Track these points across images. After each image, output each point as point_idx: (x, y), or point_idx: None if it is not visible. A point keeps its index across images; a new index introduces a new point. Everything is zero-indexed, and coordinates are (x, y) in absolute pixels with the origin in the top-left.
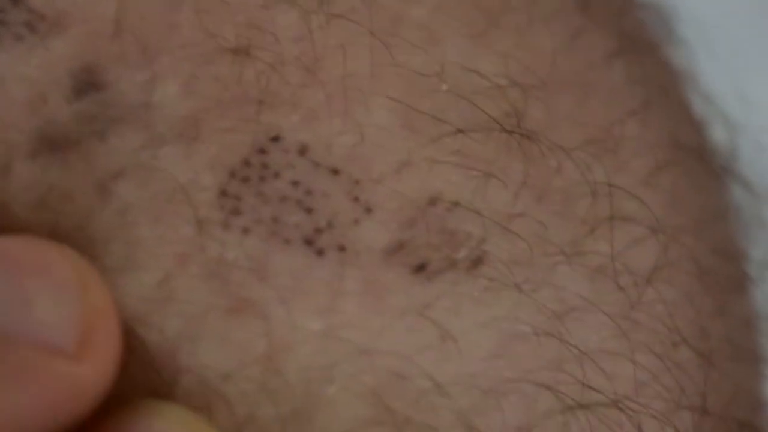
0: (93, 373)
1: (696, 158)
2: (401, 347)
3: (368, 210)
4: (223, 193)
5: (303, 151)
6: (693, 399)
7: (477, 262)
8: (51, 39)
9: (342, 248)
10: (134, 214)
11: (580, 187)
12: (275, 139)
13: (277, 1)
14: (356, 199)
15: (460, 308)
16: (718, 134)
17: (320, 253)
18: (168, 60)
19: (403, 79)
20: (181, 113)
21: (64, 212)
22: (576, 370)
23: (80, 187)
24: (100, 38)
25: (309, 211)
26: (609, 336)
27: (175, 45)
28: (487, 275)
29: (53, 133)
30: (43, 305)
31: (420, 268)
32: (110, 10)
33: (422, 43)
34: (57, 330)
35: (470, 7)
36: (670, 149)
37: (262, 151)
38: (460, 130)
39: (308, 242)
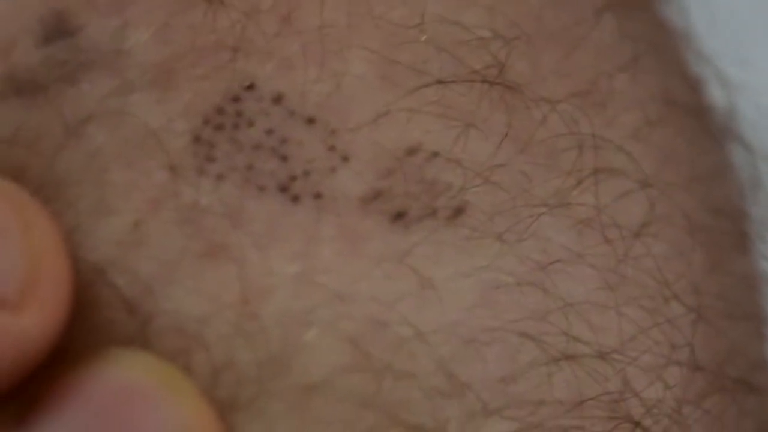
0: (38, 323)
1: (690, 116)
2: (380, 294)
3: (345, 159)
4: (197, 140)
5: (278, 99)
6: (684, 355)
7: (458, 211)
8: None
9: (318, 195)
10: (105, 159)
11: (566, 140)
12: (249, 87)
13: None
14: (332, 148)
15: (440, 257)
16: (715, 94)
17: (295, 199)
18: (140, 7)
19: (381, 31)
20: (153, 60)
21: (32, 153)
22: (561, 322)
23: (49, 129)
24: None
25: (284, 158)
26: (595, 288)
27: None
28: (468, 225)
29: (21, 77)
30: None
31: (398, 216)
32: None
33: None
34: None
35: None
36: (662, 106)
37: (236, 99)
38: (440, 81)
39: (283, 189)
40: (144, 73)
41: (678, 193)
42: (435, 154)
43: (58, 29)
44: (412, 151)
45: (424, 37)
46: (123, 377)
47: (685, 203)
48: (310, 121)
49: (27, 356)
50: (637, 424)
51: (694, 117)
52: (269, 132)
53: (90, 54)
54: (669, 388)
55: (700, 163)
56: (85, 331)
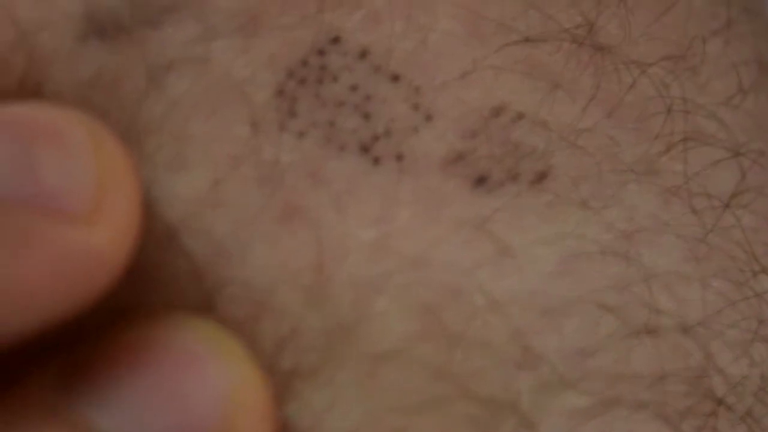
0: (107, 240)
1: None
2: (456, 260)
3: (428, 118)
4: (280, 93)
5: (363, 54)
6: None
7: (541, 176)
8: None
9: (399, 157)
10: (186, 109)
11: (656, 104)
12: (335, 40)
13: None
14: (416, 107)
15: (521, 223)
16: None
17: (377, 160)
18: None
19: None
20: (239, 6)
21: (113, 98)
22: (644, 293)
23: (131, 74)
24: None
25: (367, 116)
26: (681, 259)
27: None
28: (551, 190)
29: (104, 18)
30: (49, 168)
31: (480, 180)
32: None
33: None
34: (65, 193)
35: None
36: (756, 71)
37: (321, 52)
38: (528, 39)
39: (365, 149)
40: (229, 18)
41: None
42: (520, 116)
43: None
44: (497, 112)
45: None
46: (179, 344)
47: None
48: (395, 77)
49: (97, 276)
50: (719, 401)
51: None
52: (353, 88)
53: None
54: (755, 365)
55: None
56: (150, 292)
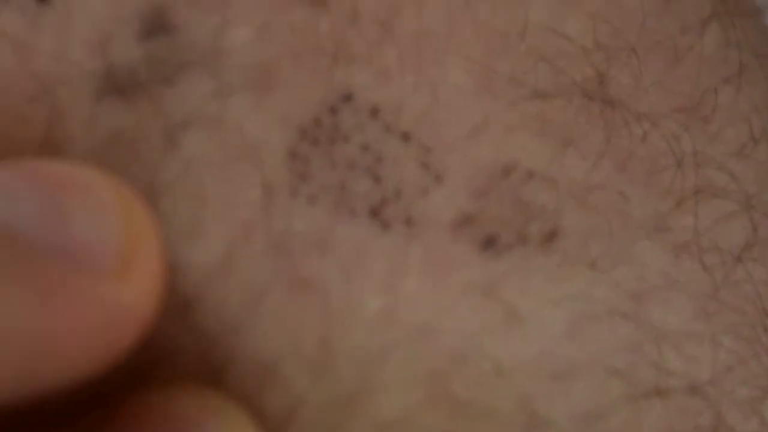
0: (136, 297)
1: None
2: (463, 327)
3: (438, 179)
4: (292, 155)
5: (374, 112)
6: None
7: (551, 236)
8: None
9: (408, 220)
10: (200, 170)
11: (667, 158)
12: (347, 98)
13: None
14: (426, 167)
15: (529, 286)
16: None
17: (386, 225)
18: (241, 5)
19: (482, 38)
20: (252, 62)
21: (130, 157)
22: (653, 353)
23: (147, 133)
24: None
25: (377, 179)
26: (691, 317)
27: None
28: (560, 251)
29: (120, 75)
30: (80, 221)
31: (489, 243)
32: None
33: (507, 1)
34: (96, 247)
35: None
36: (767, 118)
37: (334, 110)
38: (539, 95)
39: (374, 213)
40: (243, 75)
41: None
42: (531, 174)
43: (157, 25)
44: (507, 170)
45: (524, 47)
46: (186, 415)
47: None
48: (405, 136)
49: (124, 332)
50: None
51: None
52: (364, 148)
53: (189, 53)
54: (765, 424)
55: None
56: (159, 362)
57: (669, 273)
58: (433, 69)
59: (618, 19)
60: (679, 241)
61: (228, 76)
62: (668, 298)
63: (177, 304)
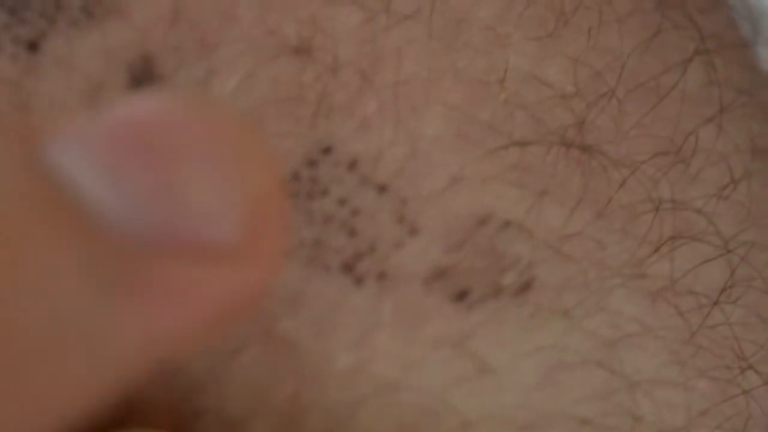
0: (258, 276)
1: None
2: (434, 381)
3: (413, 231)
4: None
5: (353, 164)
6: (762, 428)
7: (525, 287)
8: (107, 25)
9: (382, 275)
10: None
11: (645, 204)
12: (327, 150)
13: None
14: (402, 219)
15: (502, 337)
16: None
17: (359, 281)
18: (226, 54)
19: (461, 86)
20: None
21: None
22: (626, 401)
23: None
24: (158, 27)
25: (352, 233)
26: (665, 363)
27: (234, 38)
28: (534, 301)
29: None
30: (198, 196)
31: (462, 295)
32: None
33: (486, 46)
34: (217, 224)
35: (541, 6)
36: (749, 157)
37: (313, 163)
38: (517, 143)
39: (348, 268)
40: None
41: (760, 254)
42: (506, 224)
43: (145, 74)
44: (483, 221)
45: (504, 95)
46: None
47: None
48: (382, 189)
49: (244, 310)
50: None
51: None
52: (341, 202)
53: None
54: None
55: None
56: (126, 420)
57: (644, 320)
58: (412, 119)
59: (599, 61)
60: (655, 288)
61: None
62: (643, 345)
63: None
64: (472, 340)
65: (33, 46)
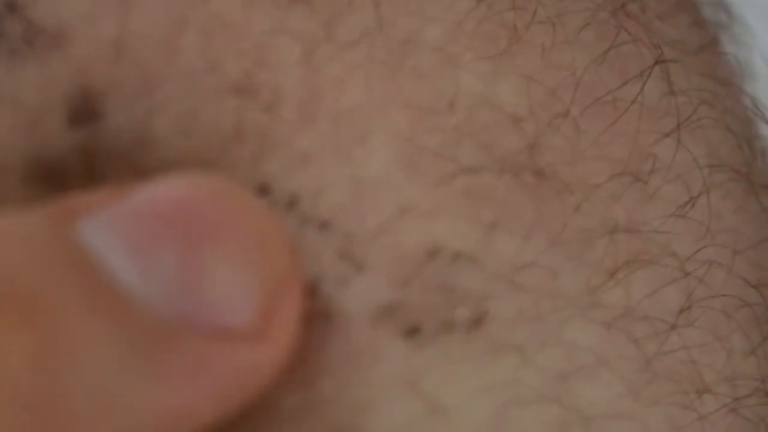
0: (272, 355)
1: (738, 179)
2: (384, 423)
3: (359, 268)
4: None
5: (292, 203)
6: None
7: (477, 321)
8: (48, 56)
9: (327, 315)
10: None
11: (600, 228)
12: (263, 190)
13: (284, 27)
14: (346, 256)
15: (453, 375)
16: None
17: (303, 322)
18: (167, 92)
19: (408, 113)
20: (175, 157)
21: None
22: None
23: None
24: (101, 60)
25: None
26: (621, 394)
27: (176, 74)
28: (486, 337)
29: (48, 160)
30: (220, 280)
31: (412, 332)
32: (113, 27)
33: (436, 69)
34: (234, 308)
35: (493, 23)
36: (707, 172)
37: None
38: (467, 170)
39: None
40: (165, 171)
41: (719, 273)
42: (457, 255)
43: (84, 112)
44: (432, 254)
45: (454, 120)
46: None
47: (726, 283)
48: (324, 226)
49: (258, 388)
50: None
51: (743, 178)
52: None
53: (114, 143)
54: None
55: (746, 231)
56: None
57: (598, 351)
58: (355, 150)
59: (553, 79)
60: (610, 317)
61: (150, 173)
62: (597, 376)
63: None
64: (424, 379)
65: None
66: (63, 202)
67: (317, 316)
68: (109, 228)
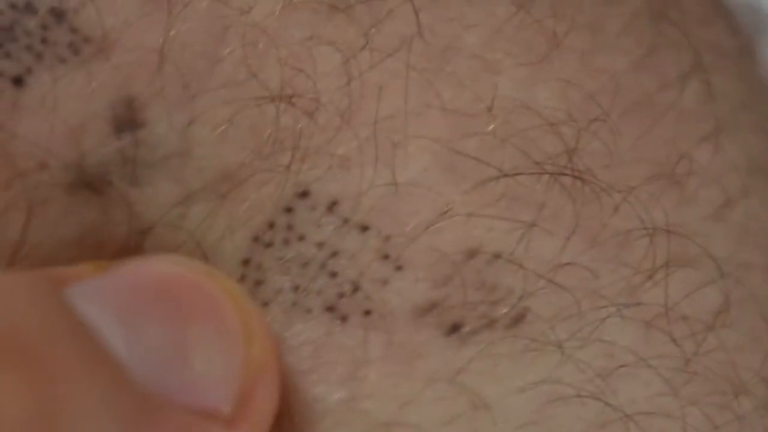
0: None
1: None
2: (428, 418)
3: (398, 268)
4: (245, 263)
5: (332, 206)
6: None
7: (517, 319)
8: (94, 65)
9: (367, 312)
10: None
11: (639, 230)
12: (303, 194)
13: (323, 35)
14: (386, 257)
15: (495, 372)
16: None
17: (344, 319)
18: (207, 101)
19: (447, 119)
20: (214, 165)
21: (97, 258)
22: None
23: (113, 236)
24: (144, 69)
25: (333, 275)
26: (660, 392)
27: (216, 84)
28: (527, 334)
29: (92, 169)
30: (202, 359)
31: (454, 329)
32: (156, 37)
33: (474, 75)
34: (215, 390)
35: (531, 30)
36: (745, 176)
37: (289, 209)
38: (505, 174)
39: (330, 309)
40: (205, 180)
41: (756, 275)
42: (496, 256)
43: (127, 120)
44: (471, 254)
45: (491, 126)
46: None
47: (764, 286)
48: (364, 228)
49: None
50: None
51: None
52: (320, 245)
53: (156, 152)
54: None
55: None
56: None
57: (638, 350)
58: (395, 154)
59: (592, 83)
60: (649, 316)
61: (190, 181)
62: (636, 375)
63: None
64: (466, 375)
65: (18, 81)
66: (51, 269)
67: (355, 315)
68: (98, 297)
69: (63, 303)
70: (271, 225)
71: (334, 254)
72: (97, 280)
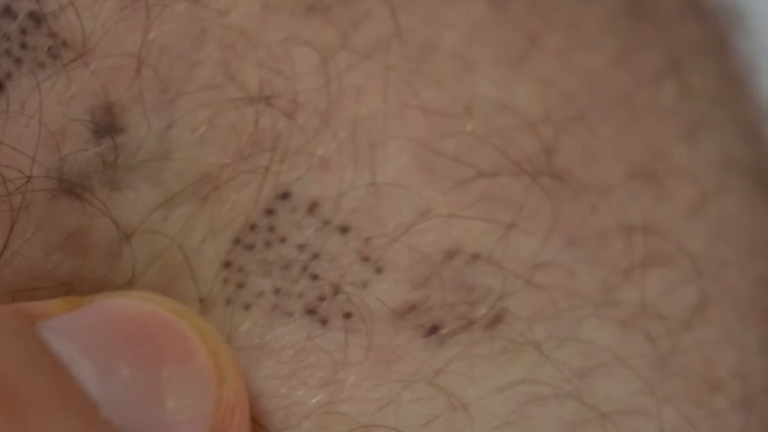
0: None
1: (749, 180)
2: (406, 420)
3: (379, 270)
4: (227, 265)
5: (312, 207)
6: None
7: (496, 320)
8: (73, 69)
9: (348, 315)
10: (141, 286)
11: (617, 229)
12: (284, 196)
13: (301, 36)
14: (366, 259)
15: (474, 373)
16: None
17: (324, 322)
18: (186, 104)
19: (426, 119)
20: (194, 168)
21: (82, 265)
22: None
23: (95, 242)
24: (122, 74)
25: (314, 277)
26: (636, 391)
27: (195, 87)
28: (505, 335)
29: (72, 175)
30: (175, 399)
31: (433, 330)
32: (134, 41)
33: (453, 75)
34: (187, 430)
35: (509, 29)
36: (721, 173)
37: (270, 211)
38: (483, 174)
39: (311, 312)
40: (185, 183)
41: (731, 272)
42: (475, 257)
43: (107, 124)
44: (451, 254)
45: (470, 126)
46: None
47: (739, 282)
48: (344, 229)
49: None
50: None
51: (754, 179)
52: (301, 247)
53: (136, 156)
54: None
55: (756, 231)
56: None
57: (615, 349)
58: (374, 155)
59: (569, 82)
60: (626, 315)
61: (170, 185)
62: (613, 374)
63: None
64: (445, 377)
65: None
66: (21, 305)
67: (335, 318)
68: (69, 334)
69: (38, 338)
70: (253, 227)
71: (315, 256)
72: (68, 317)
